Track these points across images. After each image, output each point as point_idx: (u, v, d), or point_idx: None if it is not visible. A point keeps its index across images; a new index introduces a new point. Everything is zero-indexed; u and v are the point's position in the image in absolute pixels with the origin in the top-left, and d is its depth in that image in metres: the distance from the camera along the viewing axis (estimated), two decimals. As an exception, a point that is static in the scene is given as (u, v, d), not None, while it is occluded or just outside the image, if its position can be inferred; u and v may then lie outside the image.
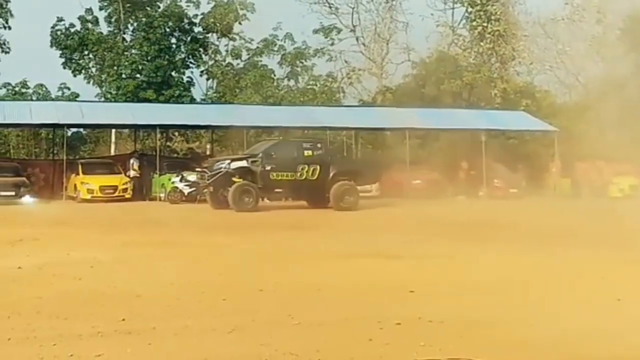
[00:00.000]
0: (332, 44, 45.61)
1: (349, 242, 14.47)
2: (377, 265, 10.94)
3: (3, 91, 42.79)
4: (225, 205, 22.84)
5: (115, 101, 39.92)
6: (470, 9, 44.73)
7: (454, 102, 39.31)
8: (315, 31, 45.55)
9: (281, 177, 23.58)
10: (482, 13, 43.25)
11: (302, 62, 45.60)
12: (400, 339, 6.50)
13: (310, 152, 24.19)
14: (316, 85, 45.37)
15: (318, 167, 23.85)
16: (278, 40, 45.58)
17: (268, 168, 23.43)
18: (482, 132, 33.13)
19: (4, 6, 41.30)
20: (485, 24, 43.02)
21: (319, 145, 25.36)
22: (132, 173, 29.94)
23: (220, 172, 23.24)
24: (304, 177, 23.70)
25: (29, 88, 43.95)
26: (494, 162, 32.17)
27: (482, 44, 43.39)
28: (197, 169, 25.58)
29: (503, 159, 32.14)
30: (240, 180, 22.97)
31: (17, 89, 42.98)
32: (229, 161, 23.87)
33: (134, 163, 29.86)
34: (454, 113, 35.73)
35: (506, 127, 33.31)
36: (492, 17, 42.94)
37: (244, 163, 23.58)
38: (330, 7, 46.04)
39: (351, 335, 6.67)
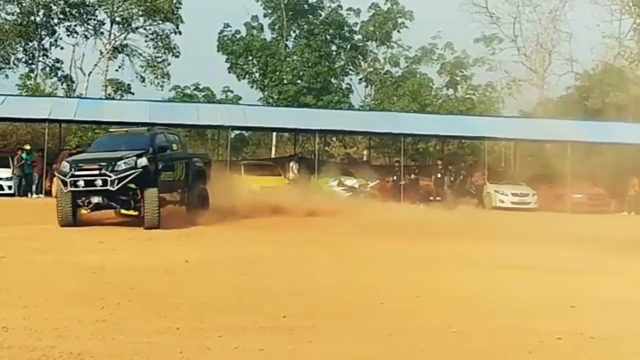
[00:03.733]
0: (493, 54, 45.03)
1: (506, 252, 13.92)
2: (535, 277, 10.63)
3: (173, 93, 44.74)
4: (76, 222, 16.55)
5: (276, 105, 40.91)
6: (638, 20, 42.90)
7: (619, 116, 37.80)
8: (476, 40, 45.13)
9: (167, 178, 17.77)
10: (651, 24, 41.47)
11: (462, 72, 45.18)
12: (561, 354, 6.36)
13: (176, 147, 19.22)
14: (475, 94, 44.89)
15: (184, 164, 18.70)
16: (437, 49, 45.43)
17: (160, 166, 17.36)
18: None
19: (175, 12, 43.31)
20: (654, 36, 41.22)
21: (178, 137, 20.47)
22: (291, 175, 30.53)
23: (136, 171, 16.42)
24: (177, 177, 18.31)
25: (191, 90, 45.56)
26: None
27: (650, 56, 41.59)
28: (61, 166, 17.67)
29: None
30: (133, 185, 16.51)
31: (185, 91, 44.79)
32: (134, 157, 16.66)
33: (293, 166, 30.42)
34: (618, 127, 34.38)
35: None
36: (662, 29, 41.10)
37: (144, 161, 16.72)
38: (491, 17, 45.39)
39: (510, 346, 6.57)
